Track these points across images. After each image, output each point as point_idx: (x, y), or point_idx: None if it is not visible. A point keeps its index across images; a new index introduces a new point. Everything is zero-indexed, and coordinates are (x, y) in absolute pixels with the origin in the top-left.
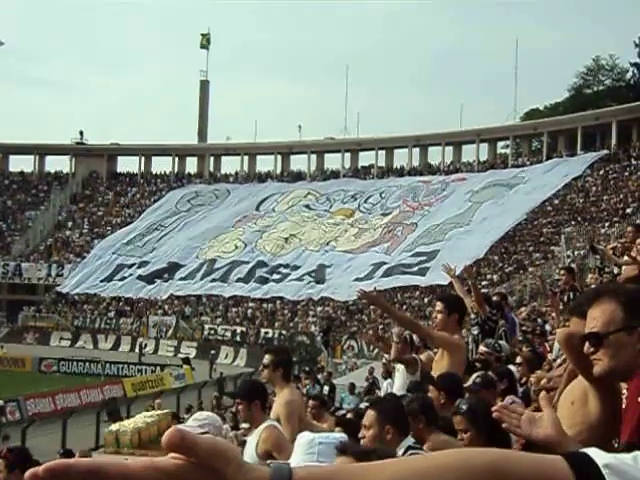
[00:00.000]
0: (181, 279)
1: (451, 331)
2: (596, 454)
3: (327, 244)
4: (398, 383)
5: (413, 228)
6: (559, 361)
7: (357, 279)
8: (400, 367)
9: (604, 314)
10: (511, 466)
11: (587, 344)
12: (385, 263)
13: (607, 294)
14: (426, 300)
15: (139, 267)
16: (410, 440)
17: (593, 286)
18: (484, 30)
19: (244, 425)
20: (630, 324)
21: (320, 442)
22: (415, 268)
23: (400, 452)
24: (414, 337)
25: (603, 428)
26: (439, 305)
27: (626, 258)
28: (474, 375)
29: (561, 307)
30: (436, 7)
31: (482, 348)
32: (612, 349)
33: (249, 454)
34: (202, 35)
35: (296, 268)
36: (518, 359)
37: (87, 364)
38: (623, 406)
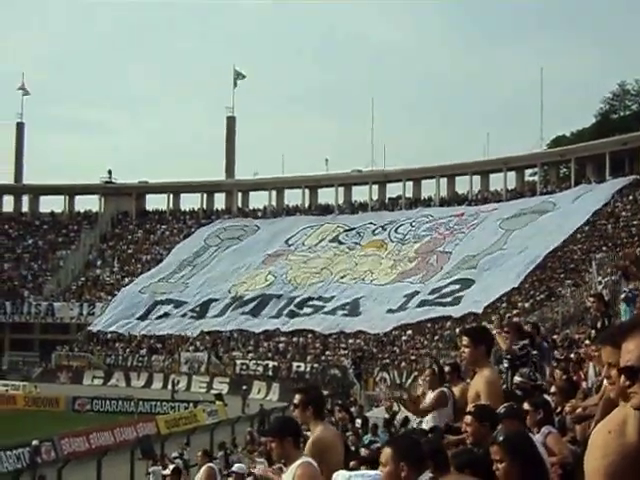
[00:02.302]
0: (213, 316)
1: (480, 364)
2: None
3: (362, 278)
4: (431, 420)
5: (448, 257)
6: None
7: (390, 310)
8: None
9: (638, 347)
10: None
11: (622, 378)
12: (418, 292)
13: None
14: (457, 330)
15: (175, 306)
16: (428, 475)
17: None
18: (509, 58)
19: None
20: None
21: None
22: (449, 298)
23: None
24: (445, 368)
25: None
26: (465, 340)
27: None
28: (501, 406)
29: (593, 333)
30: (460, 37)
31: (517, 378)
32: None
33: None
34: (236, 72)
35: (329, 300)
36: (553, 388)
37: (120, 402)
38: None
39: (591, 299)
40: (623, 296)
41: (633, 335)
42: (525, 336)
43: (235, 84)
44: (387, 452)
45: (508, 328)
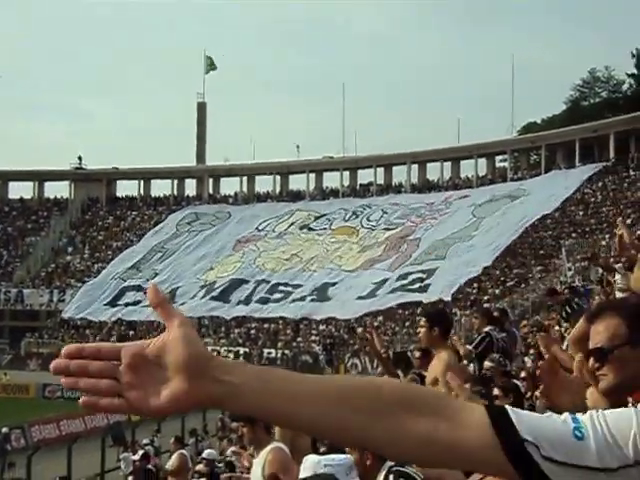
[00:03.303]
0: (182, 303)
1: (437, 346)
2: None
3: (331, 262)
4: None
5: (417, 244)
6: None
7: (360, 297)
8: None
9: (608, 329)
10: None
11: (592, 360)
12: (387, 279)
13: (610, 309)
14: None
15: (144, 293)
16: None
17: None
18: (480, 45)
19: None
20: (634, 338)
21: (326, 464)
22: (417, 285)
23: (381, 477)
24: (416, 354)
25: None
26: (421, 321)
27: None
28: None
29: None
30: (432, 23)
31: (487, 363)
32: (617, 364)
33: (256, 477)
34: (207, 58)
35: (298, 287)
36: (523, 373)
37: None
38: None
39: (565, 291)
40: None
41: (601, 318)
42: (494, 322)
43: (207, 71)
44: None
45: (478, 314)
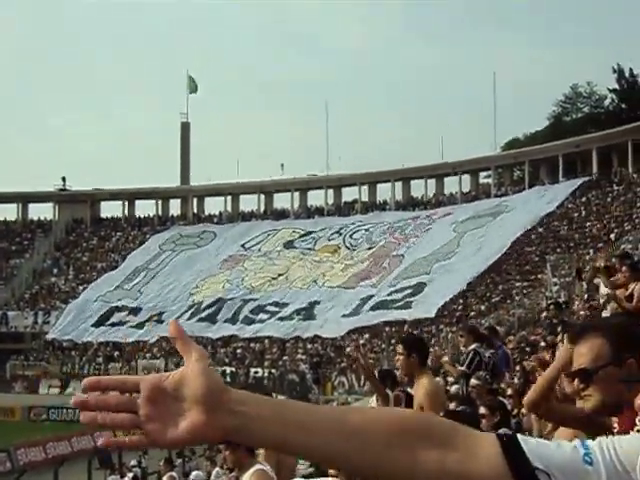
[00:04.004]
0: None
1: (417, 373)
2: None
3: (314, 281)
4: None
5: (400, 260)
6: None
7: (344, 315)
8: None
9: (592, 350)
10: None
11: (576, 381)
12: (372, 296)
13: (593, 330)
14: (415, 333)
15: (130, 313)
16: None
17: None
18: (462, 62)
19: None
20: (618, 357)
21: None
22: (401, 302)
23: None
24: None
25: None
26: (399, 348)
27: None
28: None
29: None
30: (414, 40)
31: (473, 381)
32: (602, 384)
33: None
34: (189, 78)
35: (284, 306)
36: (509, 391)
37: (77, 411)
38: None
39: (550, 307)
40: None
41: (584, 339)
42: (481, 339)
43: (190, 91)
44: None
45: (463, 332)
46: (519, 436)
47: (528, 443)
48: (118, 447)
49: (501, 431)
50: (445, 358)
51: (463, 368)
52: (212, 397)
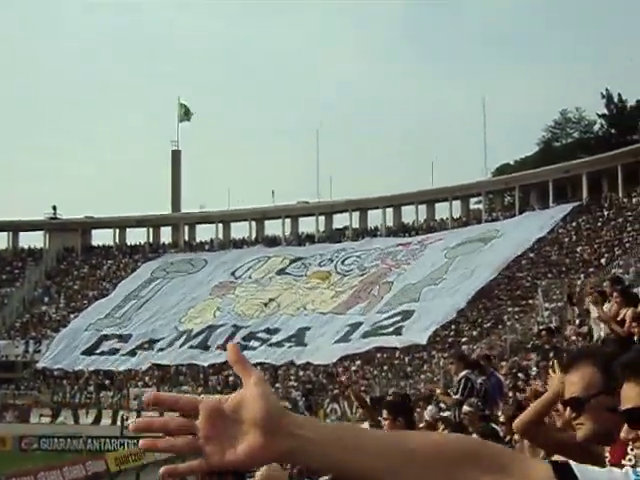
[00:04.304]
0: (160, 350)
1: None
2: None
3: (304, 307)
4: None
5: (389, 287)
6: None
7: (335, 341)
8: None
9: (583, 379)
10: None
11: (568, 410)
12: (361, 324)
13: (584, 358)
14: (406, 359)
15: (120, 341)
16: None
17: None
18: (452, 88)
19: None
20: (609, 386)
21: None
22: (391, 329)
23: None
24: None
25: None
26: (384, 412)
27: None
28: None
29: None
30: (404, 67)
31: (466, 408)
32: (594, 413)
33: None
34: (182, 106)
35: (276, 332)
36: (502, 418)
37: (68, 440)
38: None
39: (542, 333)
40: None
41: (576, 367)
42: (471, 366)
43: (182, 119)
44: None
45: (453, 359)
46: (572, 462)
47: (581, 469)
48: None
49: None
50: (438, 391)
51: (457, 396)
52: (271, 420)
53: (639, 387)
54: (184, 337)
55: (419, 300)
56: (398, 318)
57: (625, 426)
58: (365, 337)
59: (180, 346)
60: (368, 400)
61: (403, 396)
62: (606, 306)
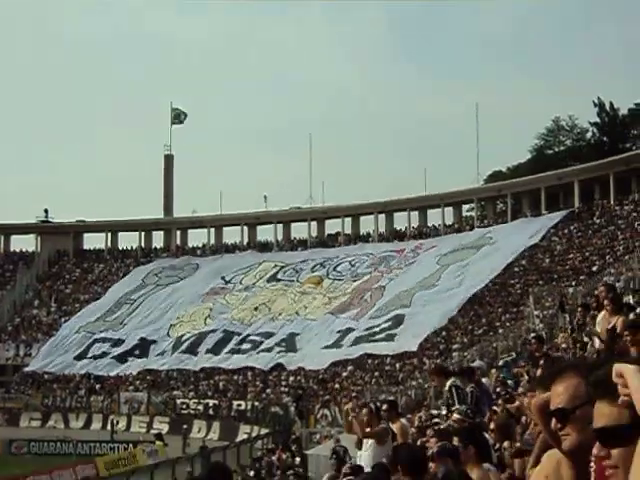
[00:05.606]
0: (151, 355)
1: (470, 465)
2: None
3: (296, 313)
4: (367, 457)
5: (382, 292)
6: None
7: (326, 347)
8: (369, 440)
9: (567, 390)
10: None
11: (554, 421)
12: (353, 330)
13: (569, 369)
14: (397, 366)
15: (112, 345)
16: None
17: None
18: (445, 95)
19: None
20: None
21: None
22: (383, 334)
23: None
24: (383, 406)
25: None
26: (455, 440)
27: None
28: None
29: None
30: (397, 73)
31: (455, 416)
32: (579, 423)
33: None
34: (175, 110)
35: (268, 336)
36: (491, 425)
37: (58, 444)
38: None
39: (532, 341)
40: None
41: (562, 378)
42: (452, 374)
43: (175, 122)
44: None
45: (432, 376)
46: None
47: None
48: None
49: (484, 465)
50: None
51: (460, 417)
52: None
53: (609, 406)
54: (174, 343)
55: (410, 305)
56: (389, 324)
57: (597, 443)
58: (356, 343)
59: (172, 352)
60: (380, 405)
61: (474, 425)
62: (602, 315)
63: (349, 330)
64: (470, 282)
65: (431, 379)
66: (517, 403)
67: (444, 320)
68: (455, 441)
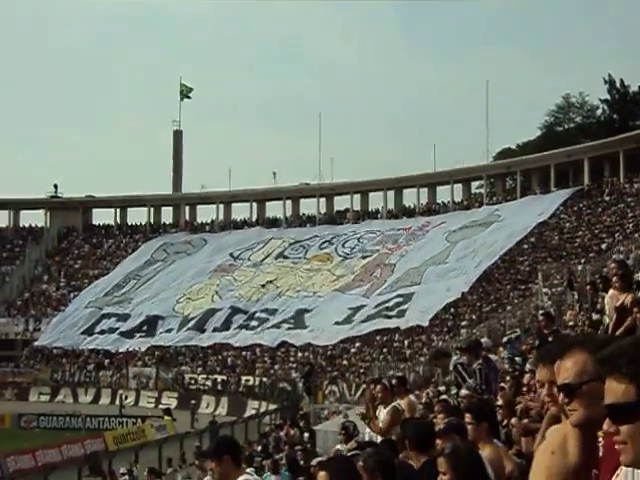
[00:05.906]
0: (160, 333)
1: (482, 442)
2: None
3: (305, 290)
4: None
5: (391, 269)
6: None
7: (337, 322)
8: (382, 412)
9: (576, 365)
10: None
11: (561, 395)
12: (364, 306)
13: (578, 345)
14: (406, 342)
15: (119, 320)
16: None
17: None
18: (454, 71)
19: None
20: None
21: None
22: (394, 311)
23: None
24: (392, 382)
25: (582, 477)
26: (467, 416)
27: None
28: (442, 421)
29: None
30: (406, 51)
31: (463, 392)
32: (586, 399)
33: None
34: (182, 85)
35: (274, 312)
36: (499, 401)
37: (67, 419)
38: (600, 454)
39: (541, 318)
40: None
41: (569, 354)
42: (450, 354)
43: (182, 98)
44: (322, 476)
45: (434, 361)
46: None
47: None
48: None
49: (496, 442)
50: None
51: (468, 392)
52: None
53: (620, 383)
54: (179, 322)
55: (421, 283)
56: (399, 300)
57: (607, 419)
58: (368, 320)
59: (178, 329)
60: (393, 381)
61: (484, 401)
62: (610, 293)
63: (361, 307)
64: (480, 259)
65: (434, 366)
66: (522, 404)
67: (455, 296)
68: (467, 418)
